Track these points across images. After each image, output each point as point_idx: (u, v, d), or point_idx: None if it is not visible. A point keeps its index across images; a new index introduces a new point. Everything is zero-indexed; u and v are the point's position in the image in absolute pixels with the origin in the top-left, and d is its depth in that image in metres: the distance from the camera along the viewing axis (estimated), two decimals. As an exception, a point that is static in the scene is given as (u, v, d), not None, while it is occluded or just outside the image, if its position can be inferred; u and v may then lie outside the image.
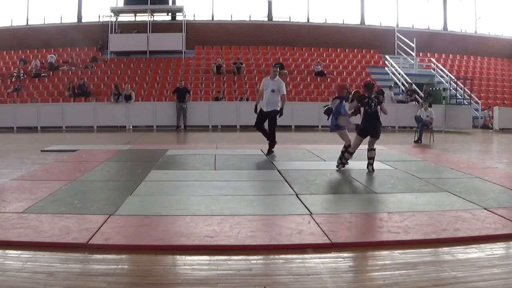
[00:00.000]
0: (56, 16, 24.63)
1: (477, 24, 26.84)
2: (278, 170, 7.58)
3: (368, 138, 7.62)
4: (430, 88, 20.45)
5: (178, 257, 3.74)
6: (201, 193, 5.86)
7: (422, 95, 19.38)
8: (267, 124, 9.44)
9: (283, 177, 6.99)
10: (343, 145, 7.93)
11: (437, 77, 22.75)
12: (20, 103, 19.11)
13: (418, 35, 23.78)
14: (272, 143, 9.37)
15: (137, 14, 24.63)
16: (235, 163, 8.38)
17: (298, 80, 21.37)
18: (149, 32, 23.34)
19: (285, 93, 9.57)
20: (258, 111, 9.51)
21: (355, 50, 24.59)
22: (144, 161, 8.66)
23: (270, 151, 9.35)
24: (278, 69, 10.05)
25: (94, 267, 3.52)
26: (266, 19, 25.53)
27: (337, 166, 7.75)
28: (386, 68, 23.03)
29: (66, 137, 15.56)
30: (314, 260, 3.65)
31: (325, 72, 21.90)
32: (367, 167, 7.51)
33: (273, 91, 9.17)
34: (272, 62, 22.50)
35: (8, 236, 4.07)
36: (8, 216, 4.65)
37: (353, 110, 7.76)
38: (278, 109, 9.25)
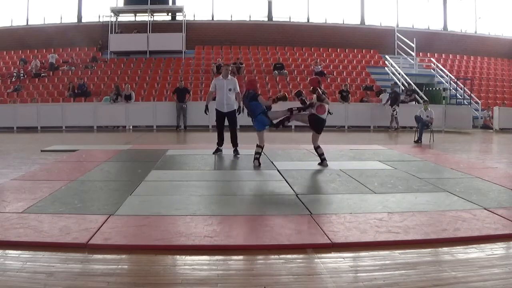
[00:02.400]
0: (56, 16, 24.64)
1: (477, 24, 26.83)
2: (278, 170, 7.58)
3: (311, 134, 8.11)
4: (395, 89, 19.45)
5: (178, 257, 3.74)
6: (201, 193, 5.86)
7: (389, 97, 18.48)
8: (229, 125, 9.43)
9: (283, 177, 7.00)
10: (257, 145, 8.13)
11: (437, 77, 22.75)
12: (20, 103, 19.10)
13: (418, 35, 23.76)
14: (236, 142, 9.40)
15: (137, 14, 24.61)
16: (235, 163, 8.38)
17: (298, 80, 21.35)
18: (149, 32, 23.32)
19: (239, 91, 9.51)
20: (215, 112, 9.42)
21: (355, 50, 24.58)
22: (144, 161, 8.65)
23: (236, 151, 9.38)
24: (230, 67, 10.02)
25: (94, 267, 3.52)
26: (266, 19, 25.51)
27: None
28: (386, 68, 23.02)
29: (66, 137, 15.56)
30: (314, 260, 3.65)
31: (325, 72, 21.89)
32: (322, 162, 8.00)
33: (230, 90, 9.19)
34: (272, 62, 22.56)
35: (8, 236, 4.07)
36: (8, 216, 4.65)
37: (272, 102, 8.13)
38: (236, 108, 9.36)
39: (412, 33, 24.01)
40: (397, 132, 17.13)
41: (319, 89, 7.99)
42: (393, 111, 17.79)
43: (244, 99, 8.37)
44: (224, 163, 8.45)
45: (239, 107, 9.26)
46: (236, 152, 9.34)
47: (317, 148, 8.14)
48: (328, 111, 8.01)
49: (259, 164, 8.01)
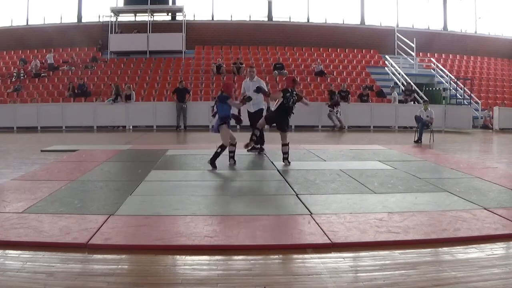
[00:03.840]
0: (56, 16, 24.63)
1: (477, 24, 26.83)
2: (278, 170, 7.59)
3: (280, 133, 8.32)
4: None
5: (178, 257, 3.74)
6: (201, 193, 5.86)
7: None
8: (253, 123, 9.50)
9: (283, 177, 7.00)
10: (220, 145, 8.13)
11: (437, 77, 22.75)
12: (20, 103, 19.10)
13: (418, 35, 23.77)
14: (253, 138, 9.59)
15: (137, 14, 24.60)
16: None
17: (298, 80, 21.36)
18: (149, 32, 23.32)
19: (267, 90, 9.63)
20: (247, 113, 9.72)
21: (355, 50, 24.58)
22: (144, 161, 8.66)
23: (251, 145, 9.48)
24: (255, 69, 10.29)
25: (94, 267, 3.52)
26: (266, 19, 25.51)
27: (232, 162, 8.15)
28: (386, 68, 23.03)
29: (66, 137, 15.56)
30: (314, 260, 3.65)
31: (325, 72, 21.90)
32: (283, 161, 8.16)
33: (255, 90, 9.29)
34: (272, 62, 22.56)
35: (8, 236, 4.07)
36: (8, 216, 4.65)
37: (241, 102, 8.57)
38: (263, 107, 9.59)
39: (412, 33, 24.02)
40: (339, 131, 17.39)
41: (292, 88, 8.29)
42: (336, 112, 17.92)
43: (217, 100, 8.42)
44: (224, 163, 8.43)
45: (268, 107, 9.37)
46: (260, 150, 9.62)
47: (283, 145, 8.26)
48: (287, 109, 8.23)
49: (235, 162, 8.14)
